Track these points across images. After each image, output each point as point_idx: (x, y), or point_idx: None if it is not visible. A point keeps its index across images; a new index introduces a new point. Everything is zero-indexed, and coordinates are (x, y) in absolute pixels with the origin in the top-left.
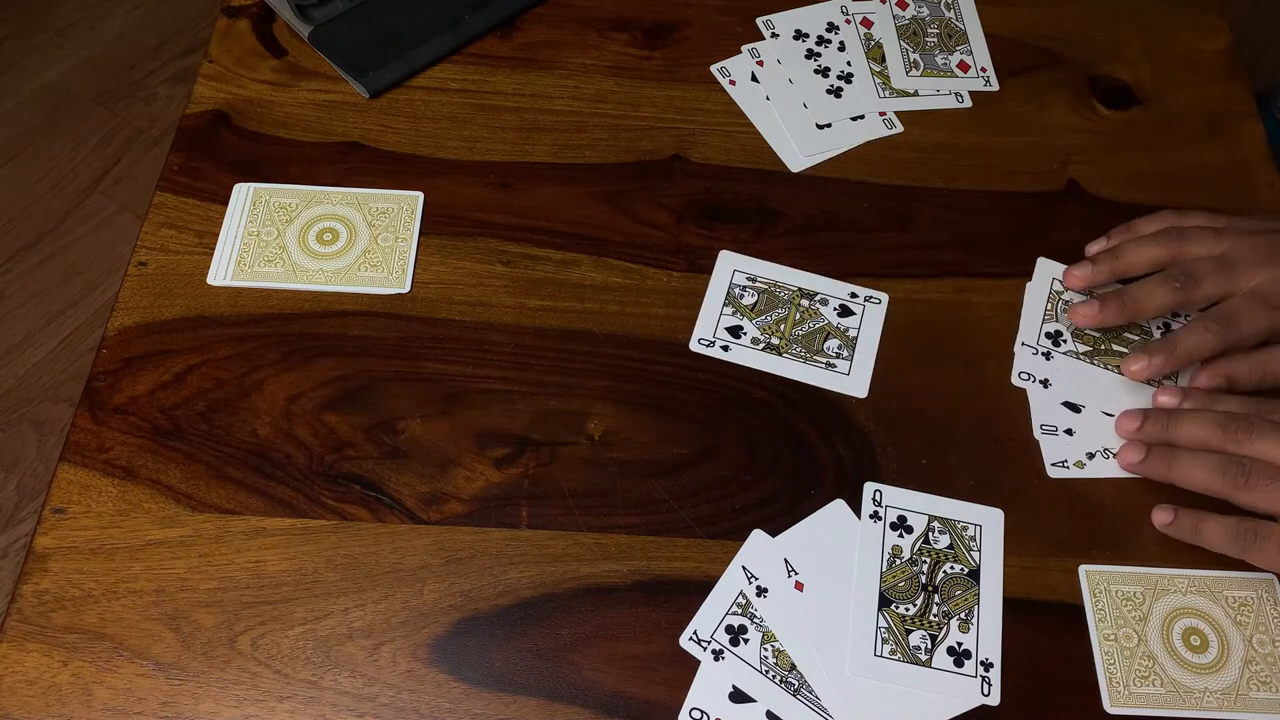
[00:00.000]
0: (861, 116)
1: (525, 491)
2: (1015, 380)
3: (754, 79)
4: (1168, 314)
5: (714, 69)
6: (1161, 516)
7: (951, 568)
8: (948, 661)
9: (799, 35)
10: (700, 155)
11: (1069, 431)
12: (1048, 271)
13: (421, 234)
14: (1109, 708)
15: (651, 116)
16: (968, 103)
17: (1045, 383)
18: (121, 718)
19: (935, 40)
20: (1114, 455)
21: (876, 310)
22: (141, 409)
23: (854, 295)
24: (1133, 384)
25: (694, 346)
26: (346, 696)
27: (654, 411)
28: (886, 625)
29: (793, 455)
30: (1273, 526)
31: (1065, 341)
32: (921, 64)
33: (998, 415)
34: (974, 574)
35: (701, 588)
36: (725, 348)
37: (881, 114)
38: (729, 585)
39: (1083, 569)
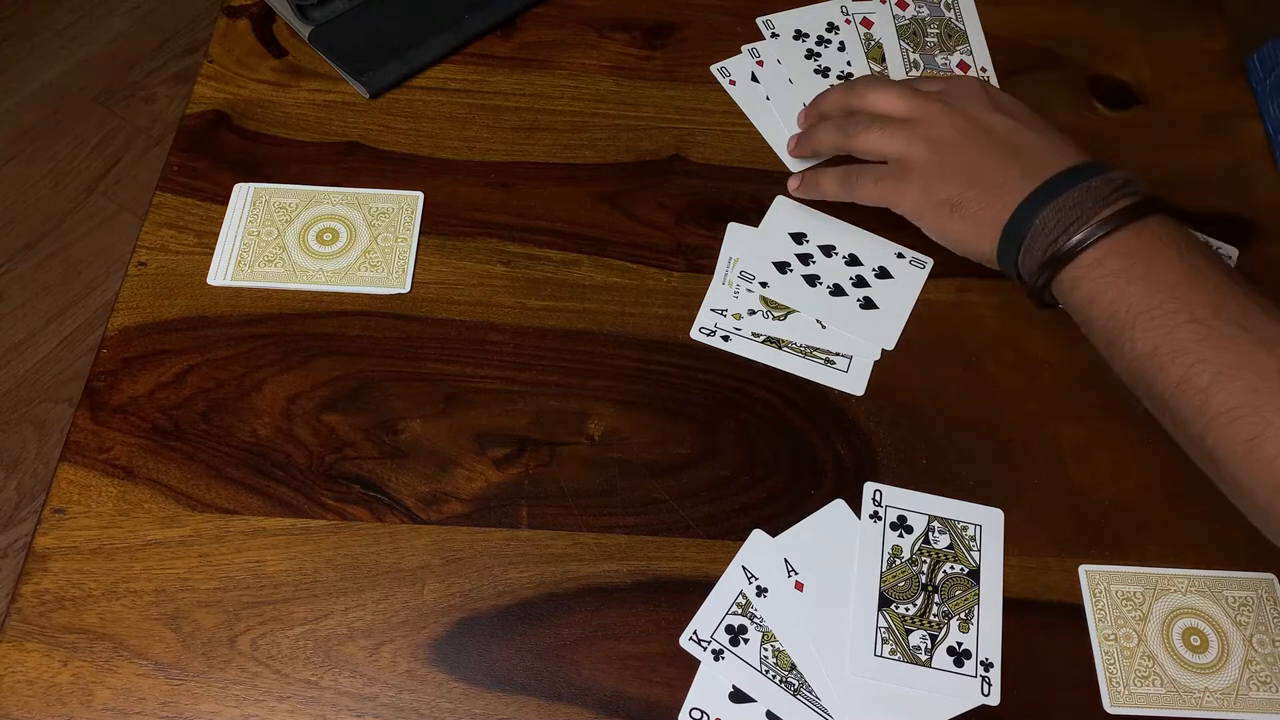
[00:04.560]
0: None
1: (525, 491)
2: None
3: (754, 79)
4: (839, 151)
5: (714, 69)
6: (791, 182)
7: (951, 568)
8: (948, 661)
9: (799, 35)
10: (700, 155)
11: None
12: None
13: (421, 234)
14: (1109, 708)
15: (651, 116)
16: None
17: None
18: (121, 718)
19: (935, 40)
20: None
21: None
22: (141, 409)
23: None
24: None
25: (695, 335)
26: (346, 696)
27: (654, 411)
28: (886, 625)
29: (793, 455)
30: (868, 167)
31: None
32: (921, 64)
33: (998, 415)
34: (974, 574)
35: (701, 588)
36: (725, 338)
37: None
38: (729, 585)
39: (1083, 569)
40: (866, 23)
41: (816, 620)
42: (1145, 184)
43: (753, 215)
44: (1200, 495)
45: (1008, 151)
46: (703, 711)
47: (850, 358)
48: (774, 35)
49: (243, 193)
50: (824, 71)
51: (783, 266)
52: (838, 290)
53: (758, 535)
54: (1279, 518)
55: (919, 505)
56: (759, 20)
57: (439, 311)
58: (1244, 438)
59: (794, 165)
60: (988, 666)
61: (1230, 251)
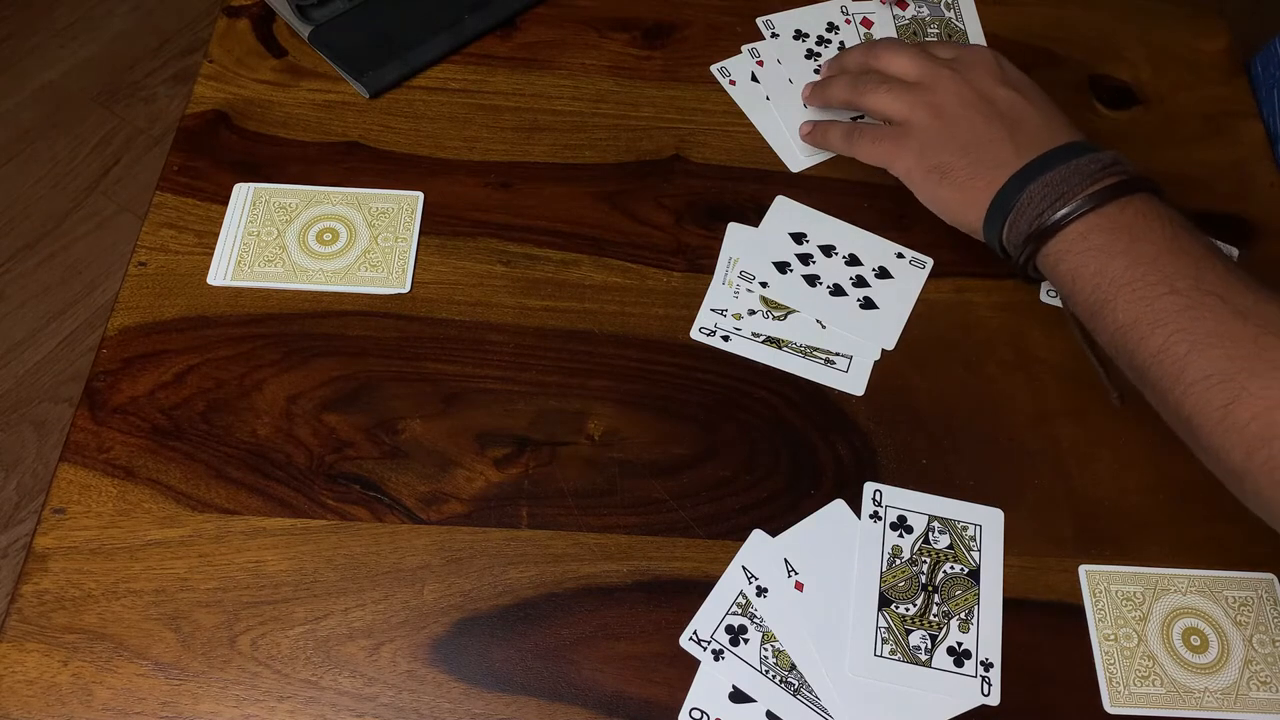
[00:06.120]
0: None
1: (525, 491)
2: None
3: (754, 79)
4: (848, 106)
5: (714, 69)
6: (802, 128)
7: (951, 568)
8: (948, 661)
9: (799, 35)
10: (700, 155)
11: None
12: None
13: (421, 234)
14: (1109, 708)
15: (651, 116)
16: None
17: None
18: (121, 718)
19: (935, 40)
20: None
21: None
22: (141, 409)
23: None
24: None
25: (695, 335)
26: (346, 696)
27: (654, 411)
28: (886, 625)
29: (793, 455)
30: (870, 125)
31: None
32: None
33: (998, 415)
34: (974, 574)
35: (701, 588)
36: (725, 338)
37: None
38: (729, 585)
39: (1083, 569)
40: (866, 23)
41: (816, 620)
42: (1133, 164)
43: (753, 215)
44: (1200, 495)
45: (1006, 125)
46: (703, 711)
47: (850, 358)
48: (774, 35)
49: (243, 193)
50: None
51: (783, 266)
52: (838, 290)
53: (758, 535)
54: (1253, 481)
55: (919, 505)
56: (759, 20)
57: (439, 311)
58: (1219, 403)
59: (793, 165)
60: (988, 666)
61: (1230, 251)
